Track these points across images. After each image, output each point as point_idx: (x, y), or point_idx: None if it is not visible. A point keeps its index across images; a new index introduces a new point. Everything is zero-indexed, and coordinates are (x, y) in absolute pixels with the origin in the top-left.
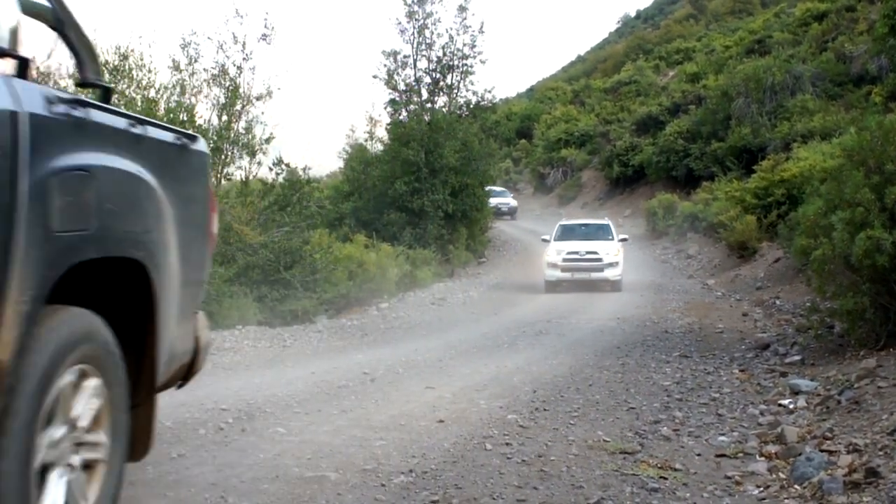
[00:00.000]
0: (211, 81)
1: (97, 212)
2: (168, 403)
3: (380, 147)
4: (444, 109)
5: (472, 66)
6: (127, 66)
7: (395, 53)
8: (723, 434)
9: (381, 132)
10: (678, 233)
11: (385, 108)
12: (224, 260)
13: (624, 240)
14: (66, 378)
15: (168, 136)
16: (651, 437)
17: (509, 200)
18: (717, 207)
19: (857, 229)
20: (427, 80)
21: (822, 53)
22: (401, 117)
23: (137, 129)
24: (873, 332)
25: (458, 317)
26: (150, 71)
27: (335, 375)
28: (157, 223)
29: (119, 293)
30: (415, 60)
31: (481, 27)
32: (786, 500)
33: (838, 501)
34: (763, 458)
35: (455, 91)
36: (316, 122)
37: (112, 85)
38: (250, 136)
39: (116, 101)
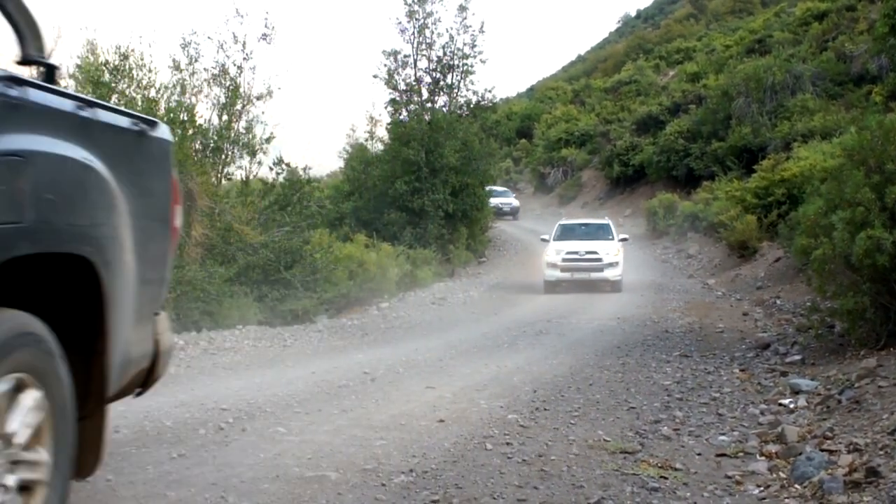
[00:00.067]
0: (211, 81)
1: (33, 202)
2: (168, 403)
3: (380, 147)
4: (444, 109)
5: (472, 66)
6: (127, 66)
7: (395, 53)
8: (723, 433)
9: (382, 132)
10: (678, 232)
11: (385, 107)
12: (224, 260)
13: (624, 239)
14: None
15: (123, 121)
16: (651, 436)
17: (511, 200)
18: (718, 207)
19: (858, 229)
20: (427, 79)
21: (823, 53)
22: (401, 117)
23: (86, 113)
24: (874, 332)
25: (459, 316)
26: (150, 71)
27: (335, 375)
28: (109, 216)
29: (64, 293)
30: (415, 60)
31: (481, 27)
32: (786, 500)
33: (839, 501)
34: (763, 458)
35: (455, 91)
36: (316, 122)
37: (57, 63)
38: (251, 136)
39: (117, 100)
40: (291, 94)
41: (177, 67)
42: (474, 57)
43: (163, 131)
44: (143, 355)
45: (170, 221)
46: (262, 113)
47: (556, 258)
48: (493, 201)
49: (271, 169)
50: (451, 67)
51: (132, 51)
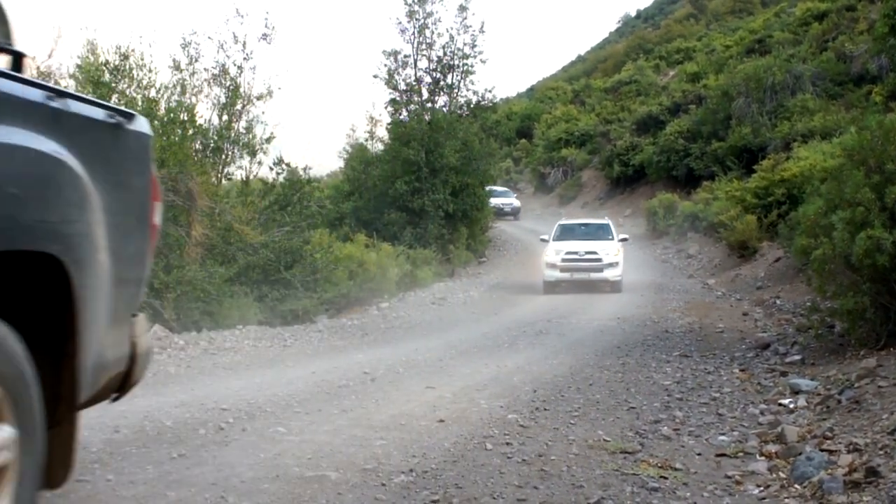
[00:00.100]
0: (211, 81)
1: None
2: (168, 403)
3: (380, 147)
4: (444, 109)
5: (472, 66)
6: (127, 66)
7: (395, 53)
8: (723, 433)
9: (382, 132)
10: (678, 232)
11: (385, 107)
12: (224, 260)
13: (624, 240)
14: None
15: (98, 114)
16: (651, 436)
17: (512, 201)
18: (718, 207)
19: (858, 229)
20: (427, 79)
21: (823, 53)
22: (401, 117)
23: (56, 104)
24: (873, 332)
25: (459, 316)
26: (150, 71)
27: (335, 375)
28: (81, 213)
29: (32, 293)
30: (415, 60)
31: (482, 27)
32: (786, 500)
33: (838, 501)
34: (763, 458)
35: (455, 91)
36: (316, 122)
37: (24, 51)
38: (251, 136)
39: (117, 101)
40: (291, 94)
41: (177, 67)
42: (474, 57)
43: (141, 125)
44: (118, 359)
45: (149, 219)
46: (262, 113)
47: (556, 258)
48: (495, 202)
49: (271, 169)
50: (451, 67)
51: (132, 51)
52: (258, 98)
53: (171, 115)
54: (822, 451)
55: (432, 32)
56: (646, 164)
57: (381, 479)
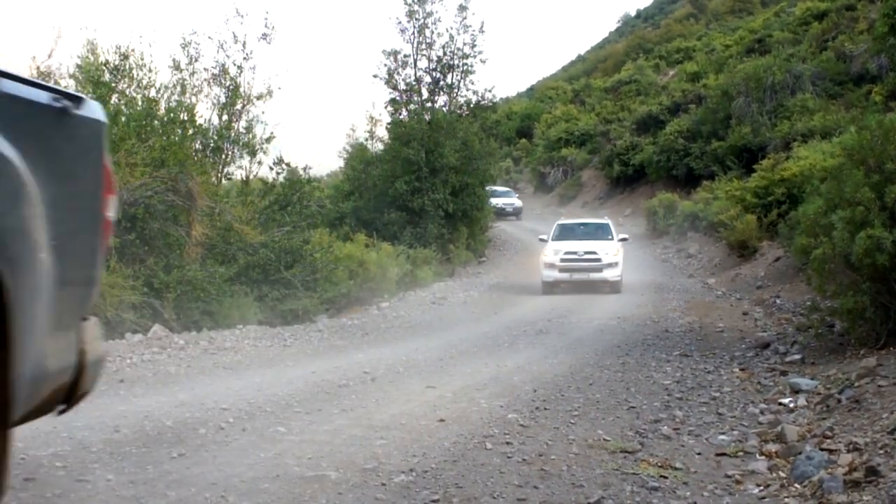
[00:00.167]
0: (211, 81)
1: None
2: (168, 403)
3: (380, 146)
4: (444, 109)
5: (472, 66)
6: (127, 66)
7: (395, 53)
8: (723, 433)
9: (382, 131)
10: (678, 232)
11: (385, 107)
12: (224, 259)
13: (624, 239)
14: None
15: (39, 96)
16: (651, 435)
17: (514, 201)
18: (718, 206)
19: (858, 228)
20: (427, 79)
21: (823, 52)
22: (401, 116)
23: None
24: (873, 331)
25: (459, 316)
26: (150, 70)
27: (336, 375)
28: (14, 206)
29: None
30: (415, 60)
31: (481, 27)
32: (786, 499)
33: (838, 500)
34: (763, 457)
35: (455, 90)
36: (316, 122)
37: None
38: (251, 136)
39: (117, 100)
40: (291, 94)
41: (177, 67)
42: (474, 57)
43: (92, 110)
44: (63, 368)
45: (100, 214)
46: (262, 113)
47: (555, 258)
48: (496, 202)
49: (271, 169)
50: (451, 67)
51: (132, 51)
52: (258, 98)
53: (171, 114)
54: (822, 450)
55: (432, 32)
56: (646, 164)
57: (381, 479)
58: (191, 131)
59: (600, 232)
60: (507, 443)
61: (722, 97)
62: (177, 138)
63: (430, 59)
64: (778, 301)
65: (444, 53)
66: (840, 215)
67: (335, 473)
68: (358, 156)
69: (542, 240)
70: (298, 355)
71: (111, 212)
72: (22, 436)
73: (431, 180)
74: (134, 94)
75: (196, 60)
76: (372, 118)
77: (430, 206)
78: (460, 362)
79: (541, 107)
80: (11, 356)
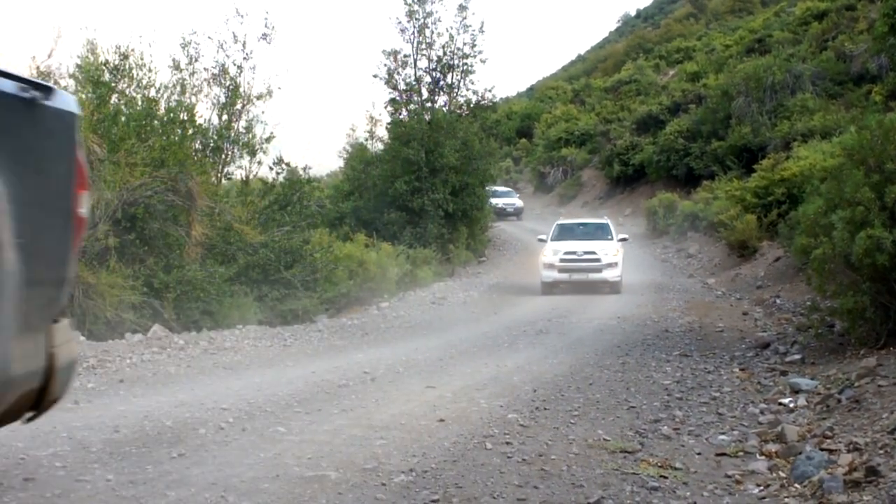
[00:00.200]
0: (211, 81)
1: None
2: (168, 403)
3: (380, 146)
4: (444, 109)
5: (472, 66)
6: (127, 66)
7: (395, 53)
8: (723, 433)
9: (382, 131)
10: (678, 232)
11: (385, 107)
12: (224, 259)
13: (624, 239)
14: None
15: (4, 86)
16: (651, 435)
17: (515, 201)
18: (718, 206)
19: (858, 228)
20: (427, 79)
21: (823, 52)
22: (401, 116)
23: None
24: (873, 331)
25: (459, 316)
26: (150, 70)
27: (336, 375)
28: None
29: None
30: (415, 60)
31: (481, 26)
32: (786, 499)
33: (838, 500)
34: (763, 457)
35: (455, 90)
36: (316, 122)
37: None
38: (251, 136)
39: (117, 100)
40: (291, 94)
41: (177, 67)
42: (474, 57)
43: (64, 101)
44: (30, 373)
45: (72, 210)
46: (262, 113)
47: (554, 258)
48: (497, 202)
49: (271, 169)
50: (451, 67)
51: (132, 50)
52: (258, 98)
53: (171, 114)
54: (822, 450)
55: (432, 32)
56: (646, 164)
57: (381, 479)
58: (191, 131)
59: (600, 232)
60: (507, 443)
61: (722, 97)
62: (177, 138)
63: (430, 59)
64: (778, 301)
65: (444, 53)
66: (840, 215)
67: (335, 473)
68: (358, 156)
69: (541, 240)
70: (298, 355)
71: (84, 208)
72: (22, 436)
73: (431, 180)
74: (134, 94)
75: (196, 60)
76: (372, 118)
77: (430, 206)
78: (460, 362)
79: (541, 107)
80: None
